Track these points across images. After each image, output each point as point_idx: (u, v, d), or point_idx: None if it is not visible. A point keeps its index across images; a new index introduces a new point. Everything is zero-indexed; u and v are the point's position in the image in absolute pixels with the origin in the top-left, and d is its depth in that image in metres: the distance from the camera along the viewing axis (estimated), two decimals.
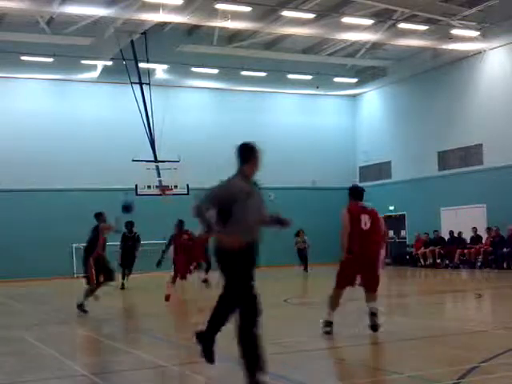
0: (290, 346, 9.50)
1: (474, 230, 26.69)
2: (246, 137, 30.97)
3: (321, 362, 8.35)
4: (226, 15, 24.44)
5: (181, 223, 16.99)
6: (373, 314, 9.76)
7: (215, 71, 31.53)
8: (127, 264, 21.19)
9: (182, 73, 31.27)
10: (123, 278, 20.73)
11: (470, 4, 25.81)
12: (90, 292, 14.11)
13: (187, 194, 27.08)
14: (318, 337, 10.11)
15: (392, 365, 7.92)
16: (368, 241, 9.73)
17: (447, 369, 7.47)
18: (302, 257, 26.62)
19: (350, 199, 10.13)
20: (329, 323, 9.90)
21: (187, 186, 27.10)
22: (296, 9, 25.08)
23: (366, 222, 9.77)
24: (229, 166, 29.96)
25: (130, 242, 21.25)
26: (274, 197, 32.51)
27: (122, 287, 20.33)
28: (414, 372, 7.33)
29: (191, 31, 29.33)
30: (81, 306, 13.89)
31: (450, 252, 27.09)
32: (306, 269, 26.36)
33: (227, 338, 10.14)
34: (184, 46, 29.11)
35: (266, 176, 34.16)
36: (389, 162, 33.55)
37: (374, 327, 9.68)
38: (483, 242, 26.19)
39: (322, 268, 26.80)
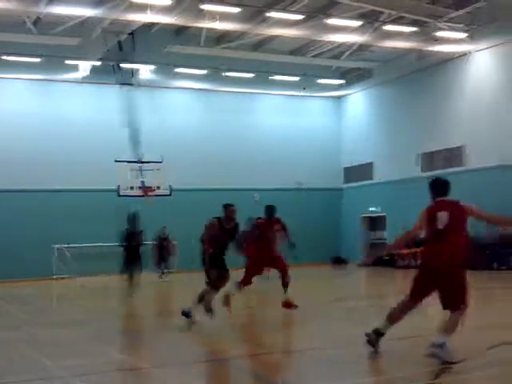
0: (276, 347, 9.56)
1: None
2: (231, 138, 31.49)
3: (303, 363, 8.42)
4: (213, 16, 24.47)
5: (272, 209, 13.48)
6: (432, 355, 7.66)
7: (202, 72, 31.54)
8: (135, 266, 17.53)
9: (168, 73, 31.27)
10: (130, 283, 17.25)
11: (456, 6, 25.95)
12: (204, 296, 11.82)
13: (170, 195, 27.14)
14: (301, 337, 10.19)
15: (370, 366, 7.98)
16: (445, 243, 7.86)
17: (423, 369, 7.57)
18: None
19: (433, 196, 8.37)
20: (379, 333, 8.19)
21: (170, 186, 27.17)
22: (283, 10, 25.14)
23: (443, 220, 7.96)
24: (213, 167, 30.05)
25: (135, 239, 17.77)
26: (259, 197, 32.70)
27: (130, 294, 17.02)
28: (390, 373, 7.41)
29: (179, 32, 29.34)
30: (187, 314, 11.79)
31: None
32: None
33: (200, 340, 10.20)
34: (171, 47, 29.12)
35: (251, 177, 34.43)
36: (372, 163, 33.65)
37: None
38: None
39: (305, 269, 26.81)
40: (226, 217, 11.86)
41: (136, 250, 17.68)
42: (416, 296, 8.09)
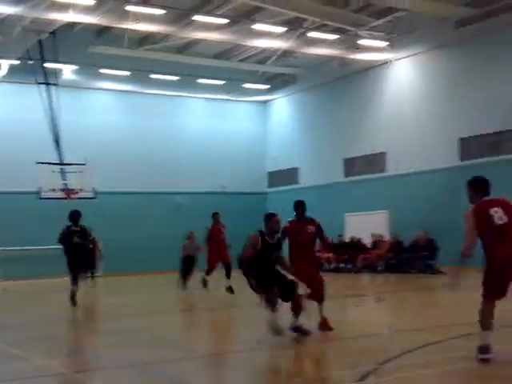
0: (194, 351, 9.52)
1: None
2: (156, 140, 31.07)
3: (223, 368, 8.41)
4: (137, 17, 24.27)
5: (300, 206, 10.97)
6: None
7: (126, 73, 31.19)
8: (81, 268, 15.81)
9: (91, 74, 30.78)
10: (73, 283, 15.31)
11: (379, 15, 26.52)
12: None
13: (93, 197, 26.71)
14: (220, 342, 10.20)
15: (292, 368, 8.04)
16: (509, 238, 7.64)
17: (346, 372, 7.66)
18: (189, 265, 20.29)
19: (473, 195, 7.94)
20: (485, 348, 7.59)
21: (93, 189, 26.75)
22: (209, 14, 25.16)
23: (499, 215, 7.67)
24: (137, 170, 29.56)
25: (78, 238, 15.66)
26: (182, 201, 32.60)
27: (73, 302, 15.20)
28: (313, 375, 7.48)
29: (102, 32, 28.95)
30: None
31: (353, 257, 27.79)
32: (185, 279, 20.09)
33: (125, 345, 10.10)
34: (94, 47, 28.70)
35: (176, 180, 33.99)
36: (297, 168, 34.08)
37: None
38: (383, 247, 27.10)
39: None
40: (270, 229, 9.89)
41: (79, 248, 15.63)
42: (497, 295, 7.69)
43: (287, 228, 10.59)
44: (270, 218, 9.96)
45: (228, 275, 17.35)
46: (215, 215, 18.21)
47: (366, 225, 28.42)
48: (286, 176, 34.62)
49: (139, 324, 12.93)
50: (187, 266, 20.22)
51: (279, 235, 10.06)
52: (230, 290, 16.98)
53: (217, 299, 17.18)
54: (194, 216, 30.60)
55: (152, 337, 10.83)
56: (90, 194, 26.68)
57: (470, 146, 25.80)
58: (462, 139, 25.93)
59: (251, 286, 9.72)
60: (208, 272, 18.01)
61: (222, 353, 9.32)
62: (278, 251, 9.90)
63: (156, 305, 17.07)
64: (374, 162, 29.66)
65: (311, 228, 10.73)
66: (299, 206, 10.86)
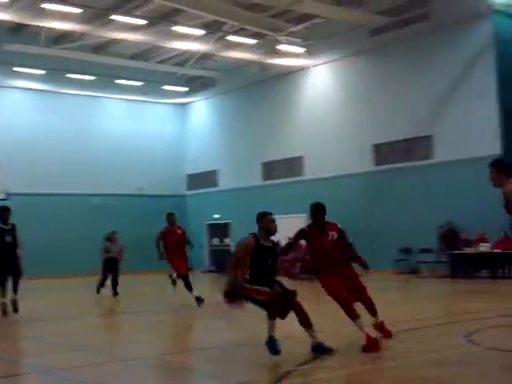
0: (117, 355, 9.43)
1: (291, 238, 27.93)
2: (72, 141, 30.39)
3: (145, 371, 8.37)
4: (53, 15, 23.79)
5: (319, 210, 9.18)
6: None
7: (41, 72, 30.49)
8: (10, 270, 13.97)
9: (5, 72, 29.98)
10: (3, 295, 13.86)
11: (297, 21, 26.87)
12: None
13: (6, 199, 26.02)
14: (143, 345, 10.13)
15: (215, 371, 8.06)
16: None
17: (266, 373, 7.75)
18: (112, 269, 19.12)
19: (496, 177, 7.32)
20: None
21: (5, 190, 26.11)
22: (127, 14, 24.93)
23: None
24: (53, 171, 28.93)
25: (9, 237, 13.97)
26: (100, 202, 32.10)
27: (15, 310, 13.89)
28: (234, 377, 7.52)
29: (17, 30, 28.26)
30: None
31: None
32: (103, 284, 19.24)
33: (46, 350, 9.91)
34: (8, 45, 27.92)
35: (92, 181, 33.37)
36: (216, 171, 34.13)
37: None
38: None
39: (150, 277, 26.38)
40: (266, 229, 8.50)
41: (11, 249, 13.89)
42: None
43: (305, 233, 9.16)
44: (264, 216, 8.55)
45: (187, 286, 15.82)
46: (170, 216, 16.14)
47: (283, 228, 28.61)
48: (205, 178, 34.63)
49: (60, 328, 12.69)
50: (109, 269, 19.18)
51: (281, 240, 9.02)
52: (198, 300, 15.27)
53: (143, 303, 17.02)
54: (114, 217, 30.31)
55: (73, 341, 10.64)
56: (2, 195, 25.97)
57: (384, 152, 26.49)
58: (375, 145, 26.58)
59: (252, 300, 8.74)
60: (179, 276, 16.49)
61: (146, 356, 9.26)
62: (273, 258, 8.53)
63: (78, 308, 16.76)
64: (292, 165, 30.06)
65: (333, 234, 9.07)
66: (317, 211, 9.13)
